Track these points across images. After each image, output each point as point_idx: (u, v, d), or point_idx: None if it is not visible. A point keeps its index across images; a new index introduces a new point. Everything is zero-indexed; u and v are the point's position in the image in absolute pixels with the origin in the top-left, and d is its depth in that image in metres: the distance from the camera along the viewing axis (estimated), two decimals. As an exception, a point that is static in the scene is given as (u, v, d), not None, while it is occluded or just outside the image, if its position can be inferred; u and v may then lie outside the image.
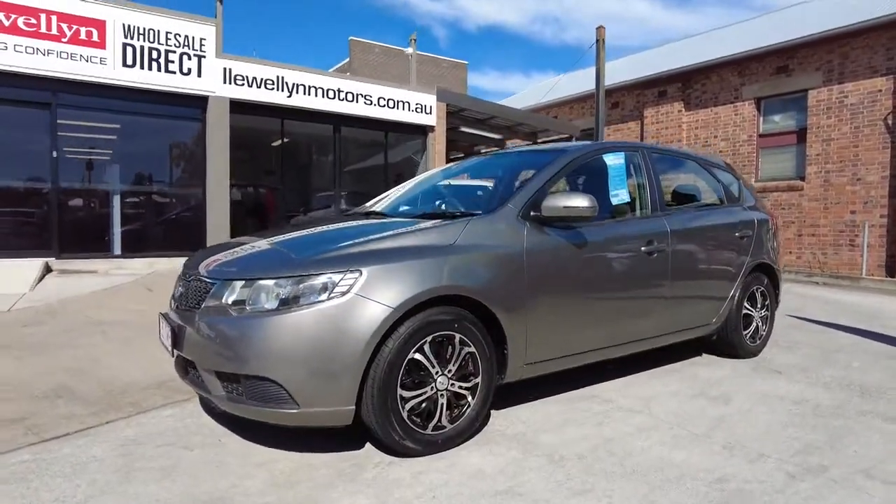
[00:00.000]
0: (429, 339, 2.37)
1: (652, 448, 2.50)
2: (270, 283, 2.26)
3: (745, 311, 3.93)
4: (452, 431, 2.47)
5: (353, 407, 2.24)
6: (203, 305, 2.37)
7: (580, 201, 2.72)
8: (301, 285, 2.22)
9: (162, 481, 2.16)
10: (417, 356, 2.35)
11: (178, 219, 9.30)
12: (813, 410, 3.00)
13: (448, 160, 19.48)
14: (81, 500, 2.02)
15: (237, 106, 9.13)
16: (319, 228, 2.97)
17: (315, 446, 2.46)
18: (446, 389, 2.45)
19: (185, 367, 2.53)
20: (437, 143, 11.53)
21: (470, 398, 2.52)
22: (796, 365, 3.87)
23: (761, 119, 10.69)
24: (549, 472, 2.26)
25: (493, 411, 2.90)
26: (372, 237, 2.50)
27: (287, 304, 2.21)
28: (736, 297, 3.82)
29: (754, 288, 4.00)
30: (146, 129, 9.02)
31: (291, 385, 2.18)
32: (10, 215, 7.97)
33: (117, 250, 8.72)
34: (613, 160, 3.33)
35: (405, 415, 2.33)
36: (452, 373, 2.46)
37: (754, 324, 4.02)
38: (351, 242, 2.43)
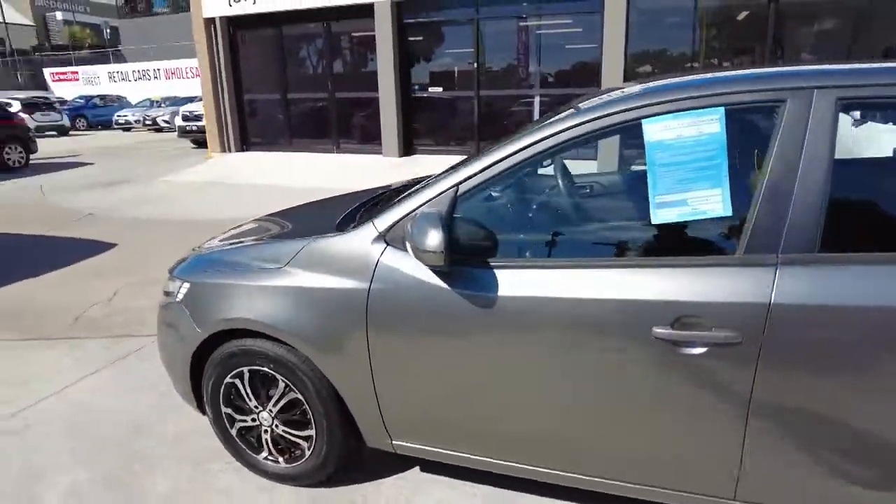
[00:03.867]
0: (246, 368, 2.09)
1: None
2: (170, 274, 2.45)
3: None
4: (285, 471, 2.17)
5: (196, 408, 2.30)
6: None
7: (423, 239, 1.58)
8: (169, 282, 2.34)
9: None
10: (237, 382, 2.13)
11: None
12: None
13: None
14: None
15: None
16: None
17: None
18: (271, 428, 2.14)
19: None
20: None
21: (306, 448, 2.11)
22: None
23: None
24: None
25: (387, 479, 2.23)
26: (241, 243, 2.24)
27: (165, 296, 2.37)
28: None
29: None
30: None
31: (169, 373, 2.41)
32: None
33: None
34: (672, 129, 1.58)
35: (234, 433, 2.23)
36: (274, 413, 2.10)
37: None
38: (219, 248, 2.28)
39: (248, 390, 2.12)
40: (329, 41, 10.57)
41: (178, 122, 14.55)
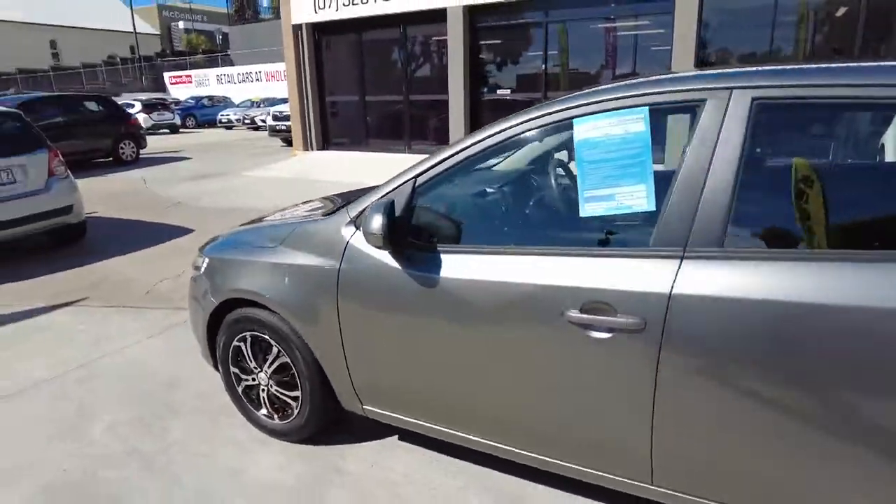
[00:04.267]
0: (248, 334, 2.41)
1: None
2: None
3: None
4: (278, 427, 2.48)
5: (213, 366, 2.67)
6: None
7: (369, 223, 1.81)
8: (198, 257, 2.72)
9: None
10: (241, 345, 2.46)
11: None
12: None
13: None
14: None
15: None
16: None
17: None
18: (267, 387, 2.45)
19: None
20: None
21: (295, 408, 2.40)
22: None
23: None
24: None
25: (365, 443, 2.47)
26: (252, 226, 2.58)
27: (194, 270, 2.76)
28: None
29: None
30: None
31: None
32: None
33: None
34: (600, 128, 1.69)
35: (240, 390, 2.57)
36: (269, 374, 2.41)
37: None
38: (238, 230, 2.63)
39: (250, 353, 2.45)
40: (404, 45, 11.01)
41: (269, 121, 15.67)
